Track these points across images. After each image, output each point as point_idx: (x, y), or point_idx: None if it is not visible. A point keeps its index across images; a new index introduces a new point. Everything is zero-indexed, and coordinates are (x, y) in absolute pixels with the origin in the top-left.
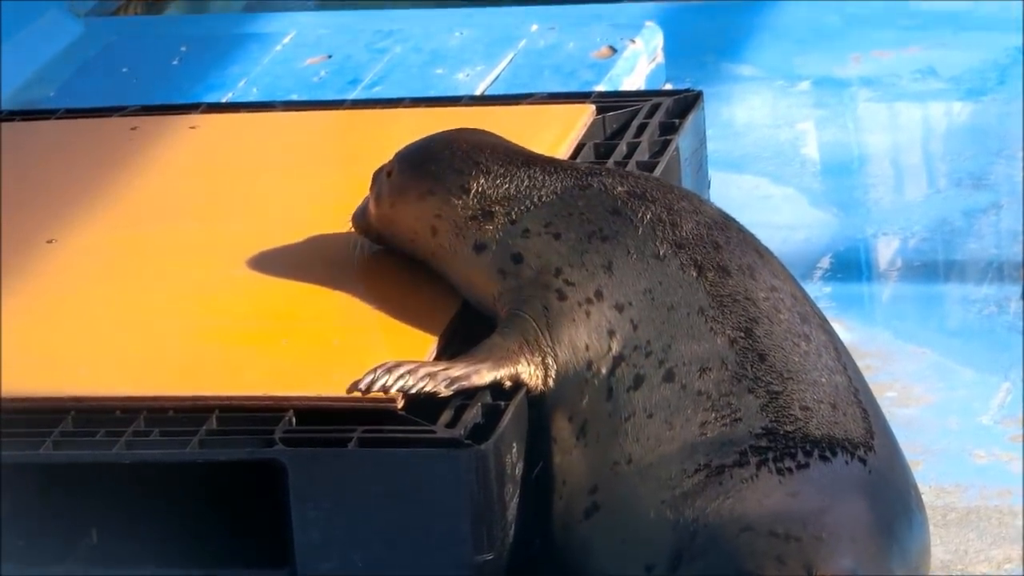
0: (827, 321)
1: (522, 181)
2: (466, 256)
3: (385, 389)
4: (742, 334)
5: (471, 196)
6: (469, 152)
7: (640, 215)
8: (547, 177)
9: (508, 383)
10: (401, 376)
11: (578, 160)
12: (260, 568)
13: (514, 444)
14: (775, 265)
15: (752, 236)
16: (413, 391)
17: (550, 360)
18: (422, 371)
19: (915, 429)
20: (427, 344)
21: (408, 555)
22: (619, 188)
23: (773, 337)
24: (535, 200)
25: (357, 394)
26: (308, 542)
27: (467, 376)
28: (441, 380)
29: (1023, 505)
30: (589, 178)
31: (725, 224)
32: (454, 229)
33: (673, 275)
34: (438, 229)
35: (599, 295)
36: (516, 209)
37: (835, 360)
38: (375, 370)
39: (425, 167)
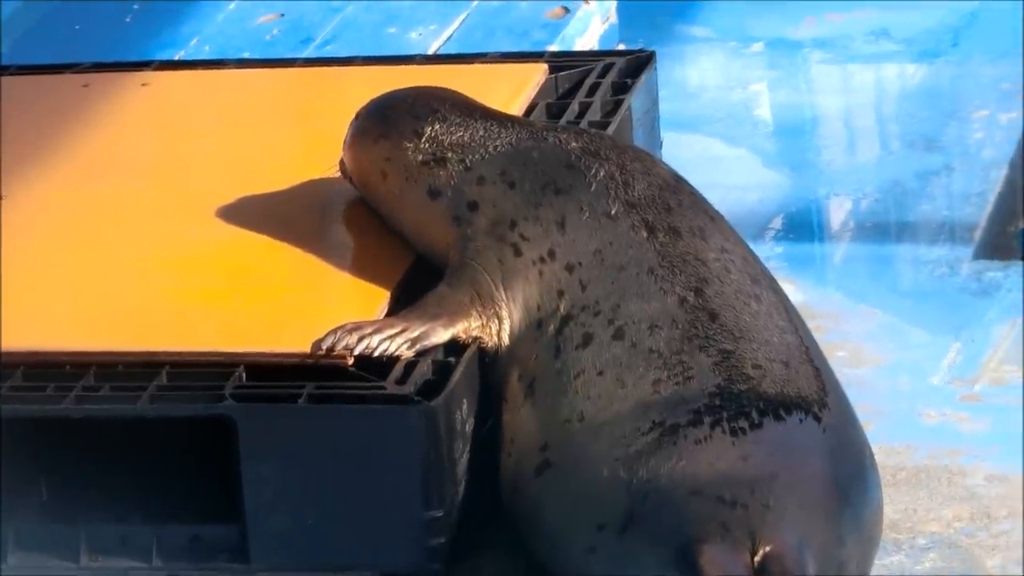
0: (777, 283)
1: (477, 131)
2: (419, 202)
3: (348, 351)
4: (692, 294)
5: (423, 140)
6: (429, 101)
7: (593, 172)
8: (503, 130)
9: (463, 336)
10: (363, 338)
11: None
12: (210, 524)
13: (464, 401)
14: (725, 228)
15: (703, 199)
16: (375, 353)
17: (504, 314)
18: (383, 333)
19: (865, 389)
20: (379, 300)
21: (358, 511)
22: (573, 144)
23: (723, 297)
24: (490, 149)
25: (310, 351)
26: (258, 498)
27: (426, 336)
28: (402, 342)
29: (973, 465)
30: (544, 133)
31: (677, 186)
32: (404, 173)
33: (624, 235)
34: (388, 173)
35: (552, 254)
36: (471, 157)
37: (786, 320)
38: (336, 331)
39: (383, 112)
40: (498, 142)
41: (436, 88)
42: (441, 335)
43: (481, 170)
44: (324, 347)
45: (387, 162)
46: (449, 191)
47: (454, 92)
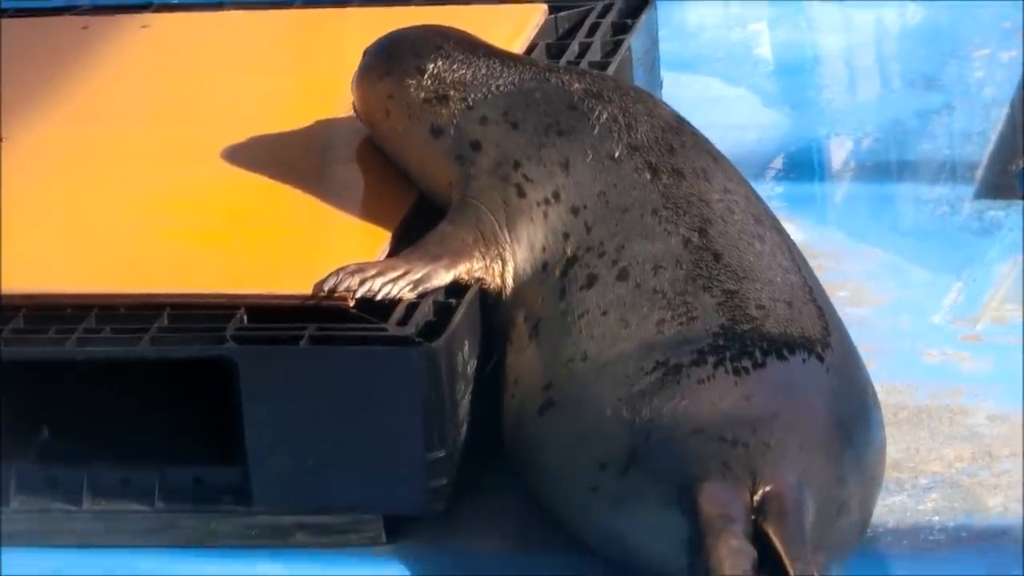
0: (779, 223)
1: (479, 69)
2: (422, 140)
3: (349, 292)
4: (696, 234)
5: (425, 77)
6: (433, 38)
7: (596, 114)
8: (506, 69)
9: (466, 277)
10: (365, 280)
11: None
12: (212, 466)
13: (466, 342)
14: (729, 168)
15: (706, 140)
16: (378, 297)
17: (507, 255)
18: (385, 275)
19: (867, 328)
20: (380, 241)
21: (359, 453)
22: (576, 85)
23: (727, 237)
24: (493, 89)
25: (312, 292)
26: (259, 440)
27: (428, 277)
28: (404, 284)
29: (974, 404)
30: (547, 73)
31: (679, 127)
32: (407, 111)
33: (627, 177)
34: (391, 111)
35: (556, 196)
36: (473, 95)
37: (789, 260)
38: (338, 272)
39: (388, 49)
40: (500, 81)
41: (442, 26)
42: (443, 277)
43: (483, 109)
44: (326, 288)
45: (390, 99)
46: (451, 130)
47: (460, 31)
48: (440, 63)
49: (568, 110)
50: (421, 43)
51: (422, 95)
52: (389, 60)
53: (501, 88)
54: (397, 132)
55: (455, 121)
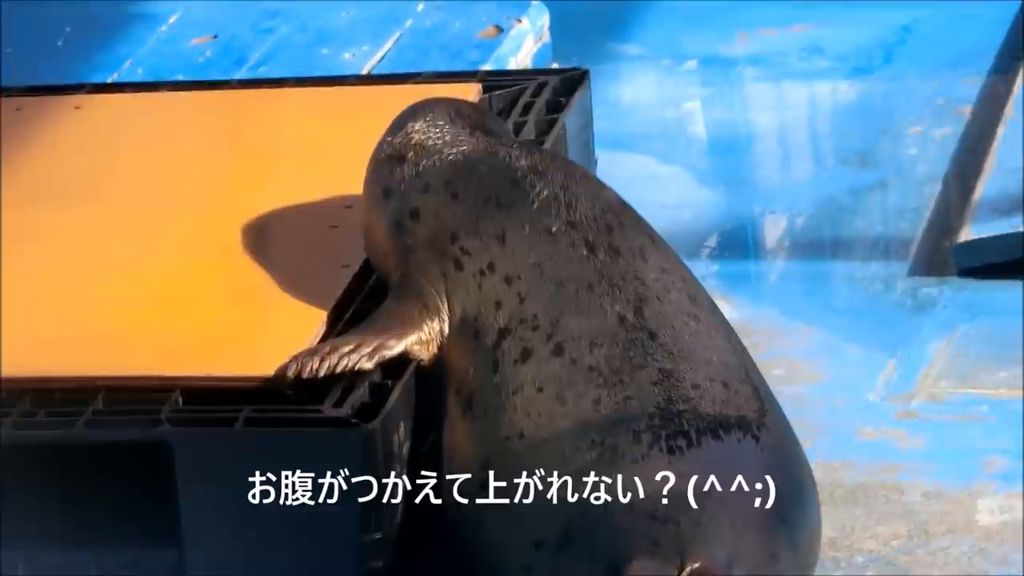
0: (715, 304)
1: (443, 137)
2: (376, 199)
3: (315, 374)
4: (632, 312)
5: (396, 136)
6: (430, 107)
7: (537, 190)
8: (465, 136)
9: (416, 348)
10: (323, 359)
11: None
12: (147, 548)
13: (402, 423)
14: (666, 249)
15: (646, 222)
16: (338, 371)
17: (445, 328)
18: (339, 351)
19: (802, 407)
20: (315, 320)
21: (296, 535)
22: (522, 161)
23: (663, 316)
24: (444, 156)
25: (275, 377)
26: (195, 522)
27: (381, 348)
28: (358, 357)
29: (910, 481)
30: (497, 147)
31: (621, 210)
32: (371, 167)
33: (563, 251)
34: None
35: (491, 267)
36: (424, 162)
37: (725, 340)
38: (297, 358)
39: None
40: (453, 151)
41: (458, 100)
42: (395, 346)
43: (428, 177)
44: (290, 374)
45: (374, 157)
46: (398, 193)
47: (475, 106)
48: (415, 126)
49: (509, 185)
50: (416, 111)
51: (390, 151)
52: (387, 130)
53: (450, 157)
54: (365, 193)
55: (402, 187)
